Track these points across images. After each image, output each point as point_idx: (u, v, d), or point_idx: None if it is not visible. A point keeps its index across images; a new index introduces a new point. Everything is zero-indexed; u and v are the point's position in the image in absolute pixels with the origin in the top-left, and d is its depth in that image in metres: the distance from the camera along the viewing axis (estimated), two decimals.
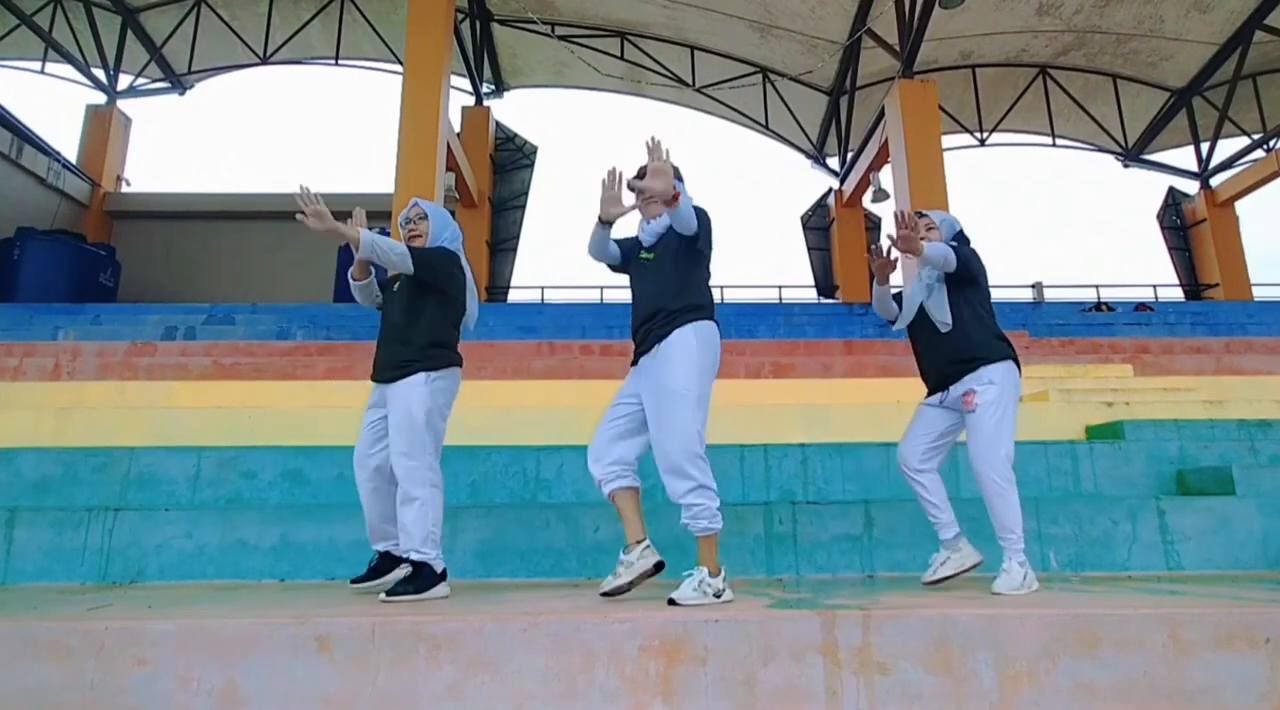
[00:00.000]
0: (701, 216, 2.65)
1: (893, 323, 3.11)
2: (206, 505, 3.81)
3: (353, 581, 2.91)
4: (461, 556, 3.30)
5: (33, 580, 3.22)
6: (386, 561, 2.87)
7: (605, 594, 2.53)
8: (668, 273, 2.67)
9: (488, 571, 3.28)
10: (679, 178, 2.67)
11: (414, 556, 2.66)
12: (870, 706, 2.03)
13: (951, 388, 2.87)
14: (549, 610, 2.30)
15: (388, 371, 2.80)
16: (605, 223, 2.70)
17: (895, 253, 2.92)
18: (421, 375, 2.75)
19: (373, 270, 2.98)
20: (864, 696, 2.04)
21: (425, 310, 2.84)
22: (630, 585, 2.55)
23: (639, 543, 2.60)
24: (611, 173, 2.67)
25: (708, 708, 2.04)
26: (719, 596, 2.39)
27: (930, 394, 2.99)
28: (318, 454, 3.99)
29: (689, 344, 2.56)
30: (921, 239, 2.84)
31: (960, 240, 3.04)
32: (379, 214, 12.92)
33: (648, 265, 2.75)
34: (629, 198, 2.69)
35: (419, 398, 2.72)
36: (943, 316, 2.91)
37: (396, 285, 2.94)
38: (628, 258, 2.85)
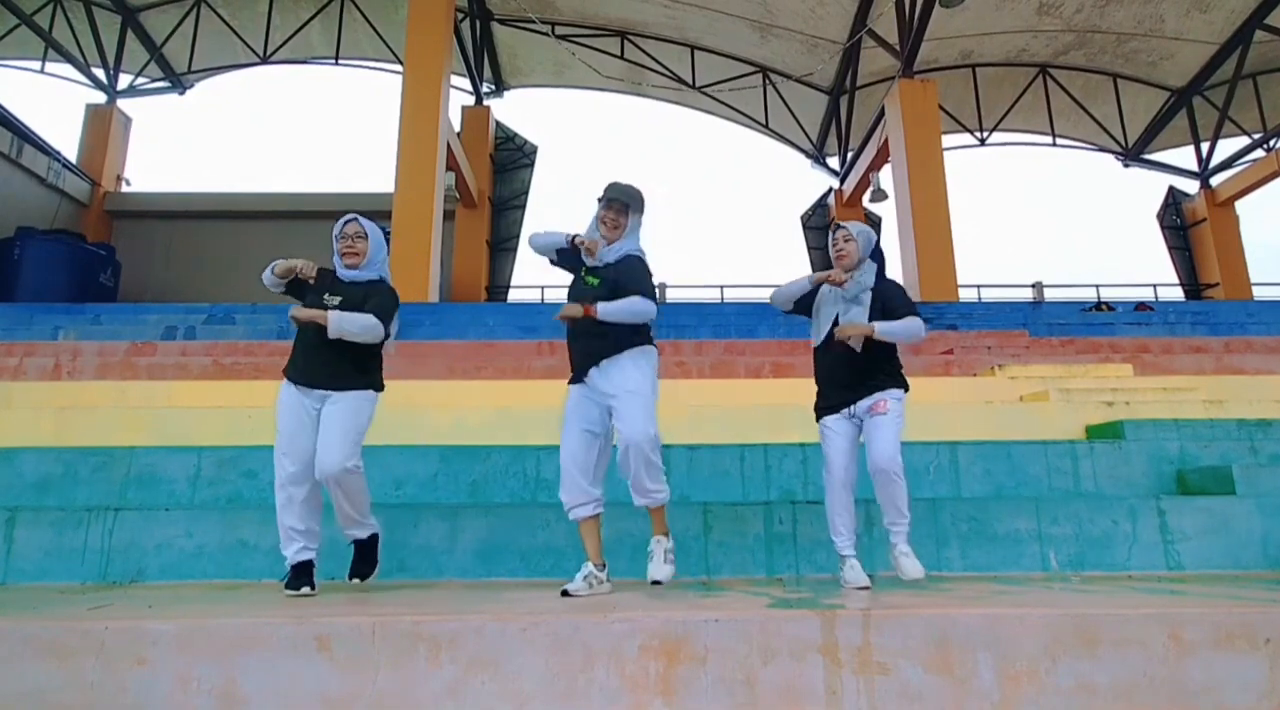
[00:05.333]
0: (648, 286, 2.86)
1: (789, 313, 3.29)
2: (206, 505, 3.80)
3: (287, 587, 2.82)
4: (461, 556, 3.30)
5: (33, 580, 3.22)
6: (309, 566, 2.90)
7: (570, 594, 2.68)
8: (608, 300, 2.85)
9: (488, 571, 3.28)
10: (641, 213, 2.98)
11: (362, 534, 2.96)
12: (870, 706, 2.03)
13: (859, 403, 3.01)
14: (549, 610, 2.30)
15: (335, 380, 2.93)
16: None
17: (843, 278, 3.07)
18: (372, 393, 3.00)
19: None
20: (864, 696, 2.04)
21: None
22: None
23: (604, 566, 2.83)
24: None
25: (708, 708, 2.04)
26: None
27: (833, 410, 3.08)
28: None
29: (640, 360, 2.85)
30: (842, 255, 3.07)
31: (878, 255, 3.13)
32: (379, 214, 12.94)
33: (588, 290, 2.90)
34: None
35: (367, 412, 2.97)
36: (856, 343, 3.03)
37: (331, 302, 2.97)
38: (568, 264, 3.06)
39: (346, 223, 3.07)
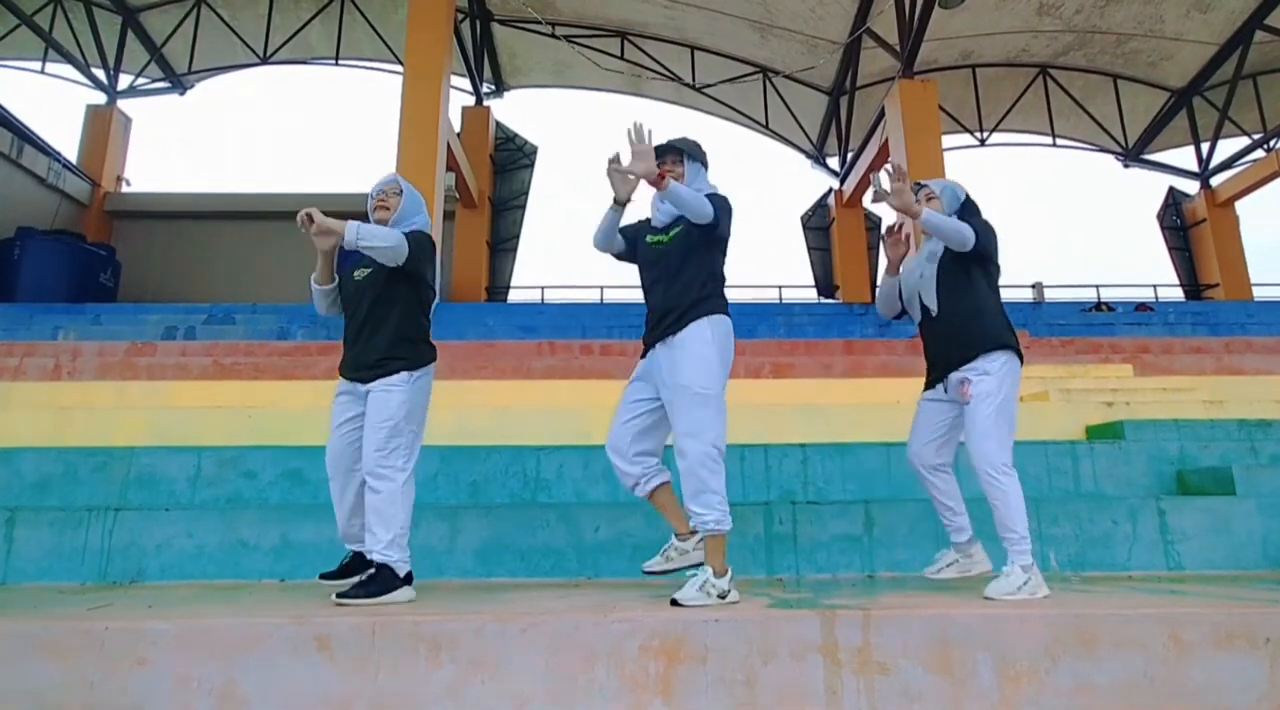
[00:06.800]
0: (718, 202, 2.58)
1: (897, 318, 3.05)
2: (206, 505, 3.80)
3: (322, 576, 2.79)
4: (461, 556, 3.30)
5: (33, 580, 3.22)
6: (360, 561, 2.76)
7: (647, 572, 2.59)
8: (680, 261, 2.60)
9: (488, 571, 3.28)
10: (704, 163, 2.69)
11: (377, 557, 2.58)
12: (870, 706, 2.03)
13: (950, 377, 2.74)
14: (549, 610, 2.29)
15: (365, 370, 2.68)
16: (619, 204, 2.63)
17: (906, 228, 2.91)
18: (404, 374, 2.66)
19: (336, 277, 2.83)
20: (864, 696, 2.04)
21: (400, 300, 2.73)
22: (674, 571, 2.58)
23: (694, 534, 2.59)
24: (638, 127, 2.54)
25: (708, 708, 2.04)
26: (723, 597, 2.36)
27: (929, 385, 2.85)
28: (318, 454, 3.94)
29: (705, 338, 2.53)
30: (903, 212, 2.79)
31: (968, 210, 2.86)
32: None
33: (658, 251, 2.65)
34: (640, 165, 2.54)
35: (400, 398, 2.63)
36: (930, 301, 2.80)
37: (361, 274, 2.74)
38: (633, 245, 2.79)
39: (388, 182, 2.83)
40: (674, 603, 2.32)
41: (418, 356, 2.72)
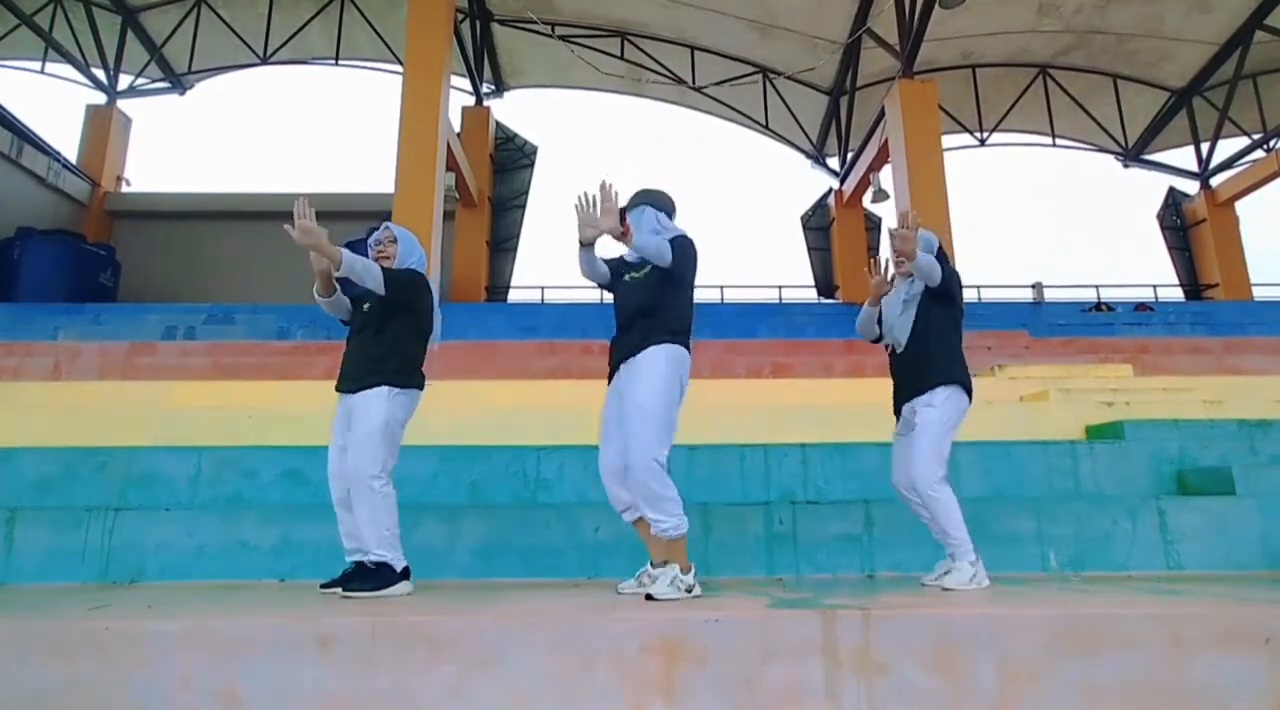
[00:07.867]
0: (678, 247, 2.79)
1: (875, 341, 3.31)
2: (206, 505, 3.81)
3: (322, 585, 2.86)
4: (461, 556, 3.30)
5: (33, 580, 3.22)
6: (359, 570, 2.87)
7: (621, 594, 2.74)
8: (649, 293, 2.83)
9: (488, 571, 3.28)
10: (663, 207, 2.94)
11: (373, 557, 2.76)
12: (870, 706, 2.03)
13: (904, 409, 3.05)
14: (549, 610, 2.30)
15: (353, 382, 2.92)
16: (585, 245, 2.88)
17: (891, 272, 3.14)
18: (385, 389, 2.87)
19: (337, 287, 3.06)
20: (864, 696, 2.04)
21: (395, 328, 2.98)
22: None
23: (665, 563, 2.74)
24: (605, 187, 2.84)
25: (708, 708, 2.04)
26: (689, 591, 2.52)
27: (897, 417, 3.13)
28: (318, 454, 3.96)
29: (658, 363, 2.71)
30: (902, 262, 3.05)
31: (940, 258, 3.09)
32: (379, 214, 12.94)
33: (631, 286, 2.93)
34: (606, 222, 2.77)
35: (379, 409, 2.84)
36: (901, 336, 3.08)
37: (367, 305, 3.05)
38: (616, 276, 3.02)
39: (382, 230, 3.15)
40: (649, 597, 2.44)
41: (402, 378, 2.93)
